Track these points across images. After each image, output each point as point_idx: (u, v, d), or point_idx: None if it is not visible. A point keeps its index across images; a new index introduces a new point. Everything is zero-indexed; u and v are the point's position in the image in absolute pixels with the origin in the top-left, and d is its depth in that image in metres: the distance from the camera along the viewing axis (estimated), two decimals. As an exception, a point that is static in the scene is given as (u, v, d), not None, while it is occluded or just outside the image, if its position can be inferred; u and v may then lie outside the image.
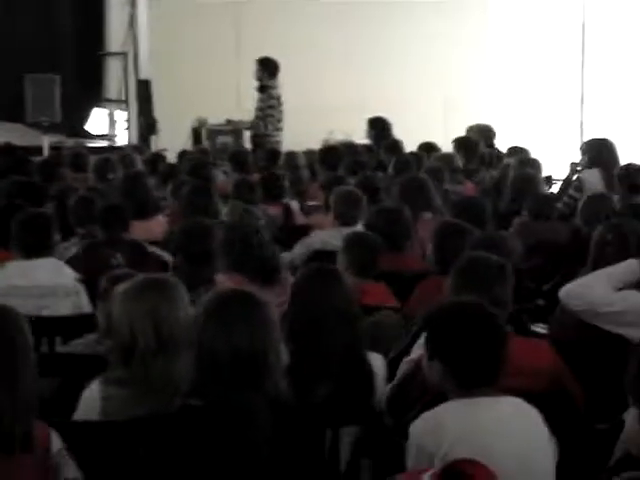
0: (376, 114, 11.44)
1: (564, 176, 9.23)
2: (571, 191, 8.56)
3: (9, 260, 5.41)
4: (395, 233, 6.14)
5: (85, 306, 5.16)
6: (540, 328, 5.15)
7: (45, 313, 5.02)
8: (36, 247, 5.35)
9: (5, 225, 5.86)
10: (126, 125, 14.39)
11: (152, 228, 7.03)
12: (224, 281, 5.12)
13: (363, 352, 4.01)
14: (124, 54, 14.29)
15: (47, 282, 5.19)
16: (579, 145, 9.60)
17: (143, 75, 14.09)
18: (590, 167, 8.71)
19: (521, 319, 4.73)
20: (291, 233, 7.37)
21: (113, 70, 14.97)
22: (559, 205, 8.12)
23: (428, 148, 10.04)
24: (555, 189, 9.47)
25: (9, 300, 4.96)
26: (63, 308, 5.09)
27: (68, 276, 5.28)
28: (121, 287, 3.77)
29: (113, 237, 6.20)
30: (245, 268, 5.29)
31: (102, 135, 14.79)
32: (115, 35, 14.70)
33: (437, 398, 3.40)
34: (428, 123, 13.33)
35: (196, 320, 3.32)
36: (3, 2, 15.75)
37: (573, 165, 9.04)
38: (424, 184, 7.35)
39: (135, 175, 7.96)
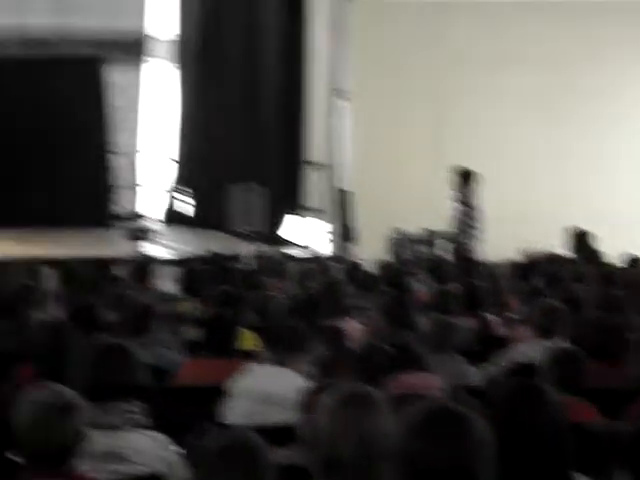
0: (575, 224, 11.28)
1: None
2: None
3: (230, 368, 5.54)
4: (606, 343, 5.98)
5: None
6: None
7: (258, 419, 5.06)
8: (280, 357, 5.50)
9: (218, 333, 6.06)
10: (325, 234, 14.62)
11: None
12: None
13: (571, 474, 3.86)
14: (325, 165, 14.59)
15: (271, 390, 5.24)
16: None
17: (343, 185, 14.34)
18: None
19: None
20: (489, 345, 7.26)
21: (313, 179, 15.29)
22: None
23: (634, 262, 9.79)
24: None
25: (239, 401, 5.19)
26: (277, 418, 5.09)
27: (296, 388, 5.26)
28: (325, 399, 3.76)
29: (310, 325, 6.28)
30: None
31: (301, 244, 15.07)
32: (316, 145, 15.05)
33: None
34: (631, 234, 13.04)
35: (403, 432, 3.26)
36: (211, 116, 16.42)
37: None
38: (619, 300, 7.20)
39: (333, 283, 8.07)
